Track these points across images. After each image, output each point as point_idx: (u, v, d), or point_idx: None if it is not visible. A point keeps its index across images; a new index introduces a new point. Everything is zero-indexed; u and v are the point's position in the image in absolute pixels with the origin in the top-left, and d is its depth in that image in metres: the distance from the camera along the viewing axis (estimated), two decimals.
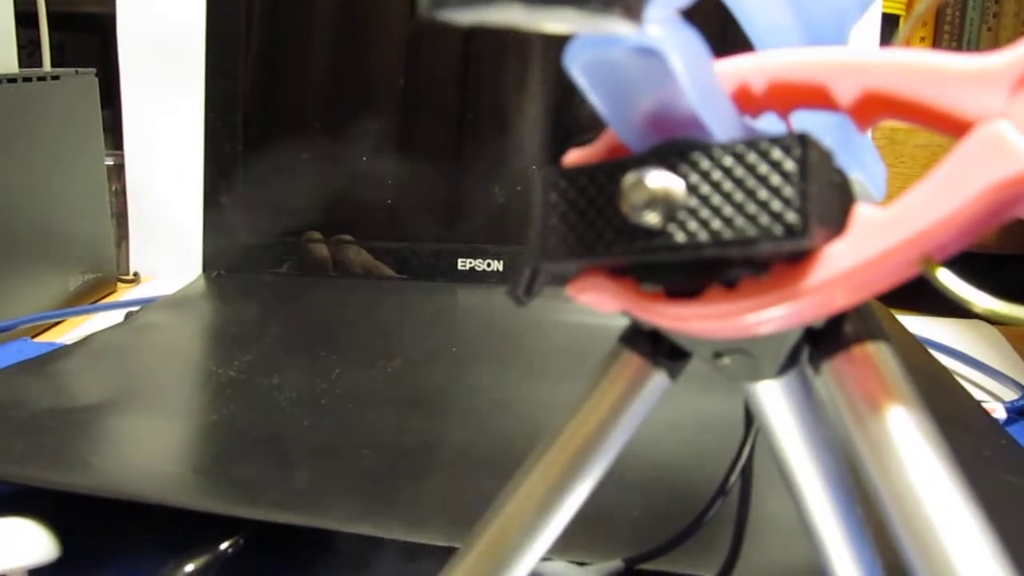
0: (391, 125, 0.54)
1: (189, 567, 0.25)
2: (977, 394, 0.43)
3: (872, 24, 0.56)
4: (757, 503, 0.19)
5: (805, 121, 0.13)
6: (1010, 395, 0.43)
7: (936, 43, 0.71)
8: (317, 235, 0.54)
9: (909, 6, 0.66)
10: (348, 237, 0.54)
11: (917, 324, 0.52)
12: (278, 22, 0.55)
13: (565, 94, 0.49)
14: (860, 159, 0.15)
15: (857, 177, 0.13)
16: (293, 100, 0.55)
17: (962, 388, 0.39)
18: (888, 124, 0.62)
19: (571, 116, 0.48)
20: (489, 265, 0.52)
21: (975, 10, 0.71)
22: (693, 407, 0.32)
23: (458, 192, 0.53)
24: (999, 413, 0.39)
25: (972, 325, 0.54)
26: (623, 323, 0.15)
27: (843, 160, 0.12)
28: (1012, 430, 0.37)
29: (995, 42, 0.71)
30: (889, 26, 0.62)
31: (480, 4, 0.10)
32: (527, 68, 0.51)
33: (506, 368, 0.40)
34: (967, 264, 0.13)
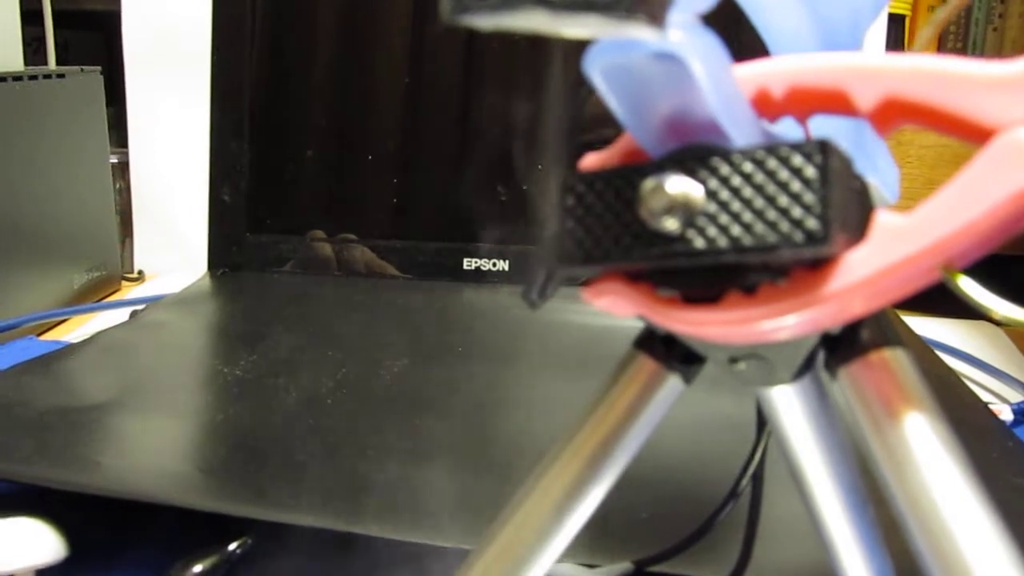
0: (396, 123, 0.54)
1: (197, 568, 0.25)
2: (983, 396, 0.42)
3: (879, 25, 0.56)
4: (768, 506, 0.19)
5: (821, 124, 0.13)
6: (1016, 397, 0.43)
7: (941, 43, 0.71)
8: (321, 234, 0.54)
9: (915, 7, 0.66)
10: (352, 236, 0.54)
11: (923, 326, 0.52)
12: (283, 20, 0.55)
13: (571, 92, 0.49)
14: (874, 162, 0.15)
15: (872, 181, 0.13)
16: (298, 98, 0.55)
17: (969, 390, 0.39)
18: None
19: (578, 108, 0.48)
20: (495, 265, 0.52)
21: (980, 10, 0.71)
22: (704, 409, 0.32)
23: (463, 191, 0.53)
24: (1006, 415, 0.39)
25: (978, 327, 0.54)
26: (631, 323, 0.15)
27: (857, 163, 0.12)
28: (1019, 432, 0.37)
29: (1000, 42, 0.70)
30: (895, 27, 0.62)
31: (503, 9, 0.10)
32: (533, 66, 0.51)
33: (512, 368, 0.40)
34: (976, 264, 0.13)
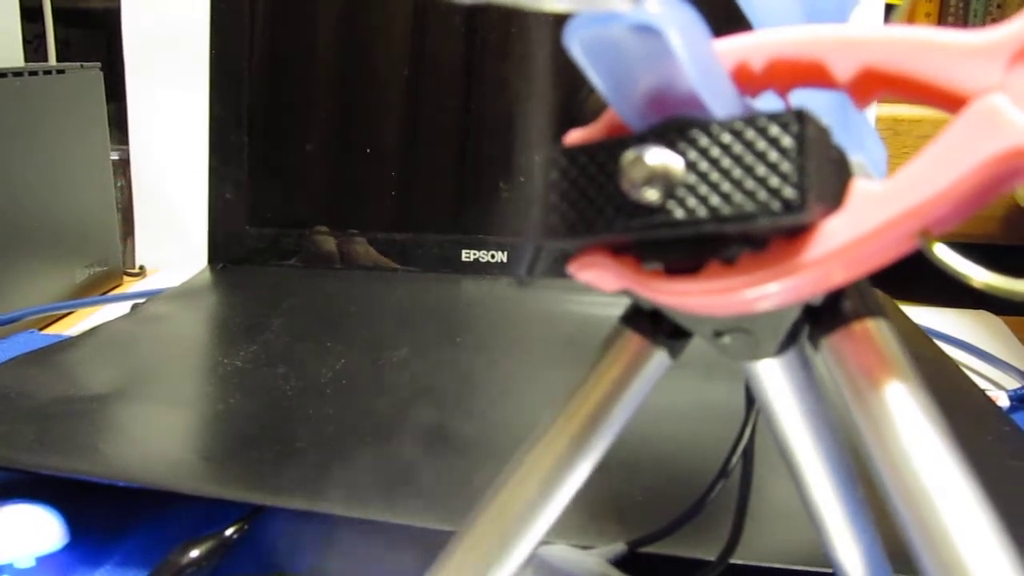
0: (395, 116, 0.54)
1: (195, 552, 0.25)
2: (980, 382, 0.43)
3: (875, 13, 0.56)
4: (759, 485, 0.19)
5: (805, 102, 0.13)
6: (1013, 383, 0.43)
7: None
8: (322, 228, 0.54)
9: None
10: (351, 229, 0.54)
11: (921, 314, 0.53)
12: (282, 14, 0.55)
13: (570, 84, 0.49)
14: (860, 140, 0.15)
15: (858, 159, 0.13)
16: (297, 92, 0.55)
17: (966, 376, 0.39)
18: (890, 114, 0.62)
19: (576, 106, 0.49)
20: (493, 256, 0.52)
21: (979, 0, 0.71)
22: (695, 392, 0.33)
23: (462, 183, 0.53)
24: (1002, 401, 0.39)
25: (975, 315, 0.54)
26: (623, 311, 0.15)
27: (843, 141, 0.13)
28: (1015, 417, 0.37)
29: None
30: (891, 16, 0.62)
31: None
32: (531, 59, 0.51)
33: (509, 358, 0.41)
34: (968, 253, 0.13)
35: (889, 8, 0.58)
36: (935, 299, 0.55)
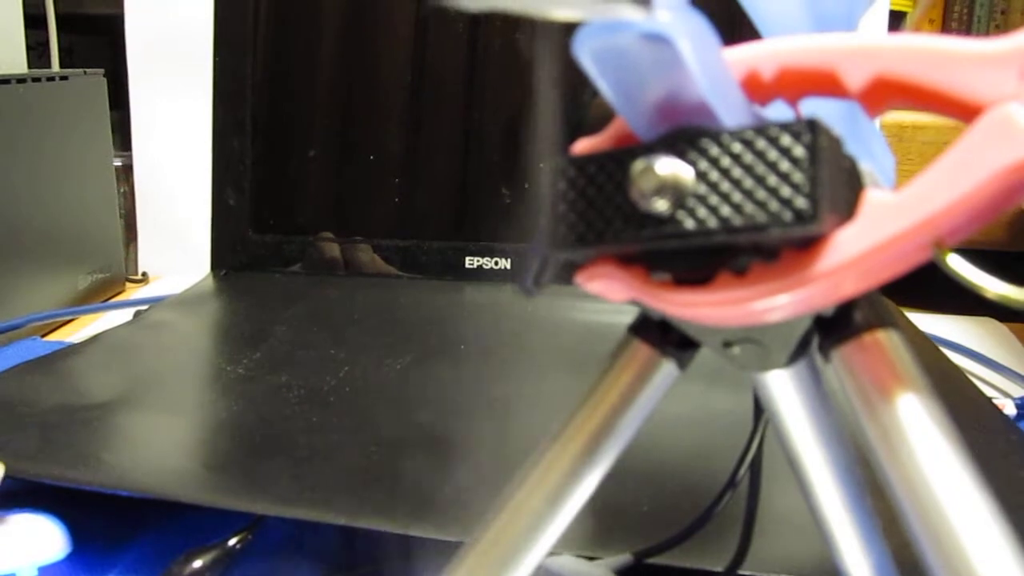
0: (398, 123, 0.54)
1: (198, 562, 0.25)
2: (987, 391, 0.42)
3: (880, 21, 0.56)
4: (767, 496, 0.19)
5: (814, 110, 0.13)
6: (1019, 391, 0.43)
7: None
8: (326, 235, 0.54)
9: (915, 1, 0.66)
10: (354, 236, 0.54)
11: (927, 322, 0.52)
12: (286, 21, 0.55)
13: (573, 91, 0.49)
14: (869, 149, 0.15)
15: (867, 168, 0.13)
16: (300, 99, 0.55)
17: (972, 384, 0.39)
18: (895, 121, 0.62)
19: (579, 113, 0.49)
20: (497, 263, 0.52)
21: (983, 7, 0.70)
22: (703, 402, 0.32)
23: (466, 189, 0.53)
24: (1009, 409, 0.39)
25: (981, 323, 0.54)
26: (631, 320, 0.15)
27: (852, 150, 0.12)
28: (1022, 426, 0.37)
29: None
30: (896, 24, 0.62)
31: None
32: (534, 65, 0.51)
33: (513, 365, 0.40)
34: (976, 261, 0.13)
35: (893, 15, 0.58)
36: (938, 306, 0.55)
